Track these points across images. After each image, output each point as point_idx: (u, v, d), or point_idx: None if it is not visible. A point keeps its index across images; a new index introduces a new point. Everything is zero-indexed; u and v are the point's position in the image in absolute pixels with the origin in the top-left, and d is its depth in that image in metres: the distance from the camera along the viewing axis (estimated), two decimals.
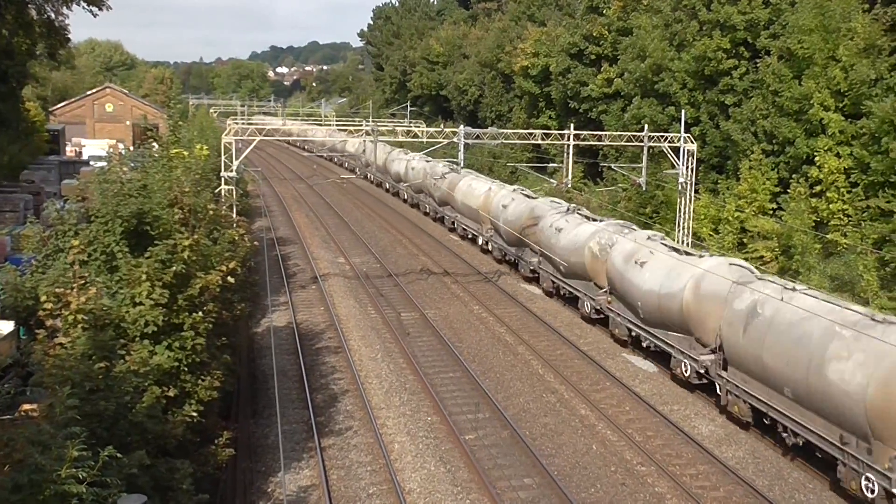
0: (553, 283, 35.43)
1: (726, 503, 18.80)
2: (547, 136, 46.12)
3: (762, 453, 21.44)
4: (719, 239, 38.94)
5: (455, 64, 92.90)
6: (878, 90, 33.74)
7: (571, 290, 33.52)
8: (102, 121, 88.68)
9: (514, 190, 43.38)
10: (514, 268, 40.85)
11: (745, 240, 37.87)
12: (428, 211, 58.45)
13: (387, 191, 72.35)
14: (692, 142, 39.94)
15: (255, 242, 34.33)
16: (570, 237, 33.35)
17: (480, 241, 45.92)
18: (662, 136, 40.41)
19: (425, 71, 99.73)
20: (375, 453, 21.06)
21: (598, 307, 31.05)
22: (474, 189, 47.55)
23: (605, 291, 30.70)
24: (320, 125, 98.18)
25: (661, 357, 27.21)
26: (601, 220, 34.15)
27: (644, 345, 27.60)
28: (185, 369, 16.17)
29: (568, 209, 36.20)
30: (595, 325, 31.77)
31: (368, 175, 78.27)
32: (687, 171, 39.26)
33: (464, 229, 49.33)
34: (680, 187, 39.64)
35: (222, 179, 37.37)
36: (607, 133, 45.84)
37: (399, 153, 68.44)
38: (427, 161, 59.73)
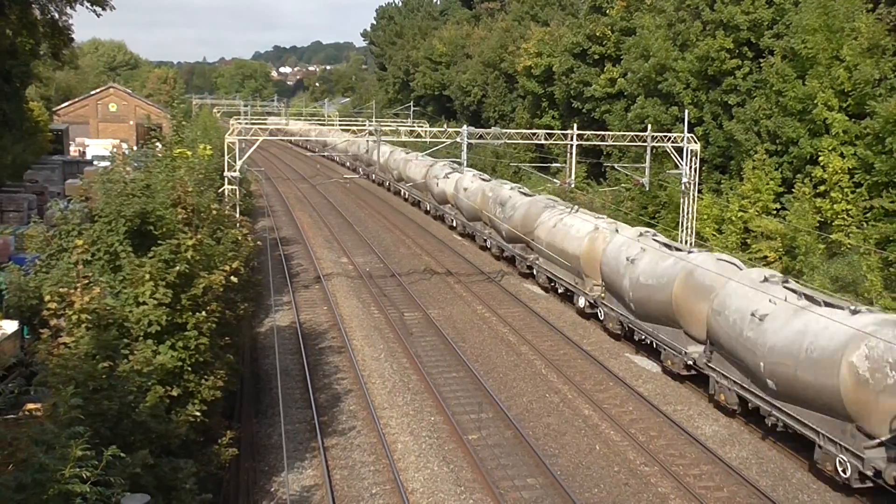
0: (740, 398, 22.75)
1: None
2: (550, 135, 46.14)
3: (766, 453, 21.40)
4: (723, 239, 38.90)
5: (458, 64, 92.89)
6: (882, 90, 33.70)
7: (790, 421, 20.52)
8: (106, 120, 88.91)
9: (643, 234, 30.15)
10: (654, 355, 27.68)
11: (748, 240, 37.85)
12: (488, 245, 45.46)
13: (426, 212, 60.40)
14: (695, 142, 39.91)
15: (259, 242, 34.37)
16: (792, 335, 20.06)
17: (581, 303, 32.69)
18: (666, 136, 40.38)
19: (428, 71, 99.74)
20: (379, 453, 21.06)
21: (870, 470, 18.06)
22: (570, 228, 34.20)
23: (888, 445, 17.98)
24: (323, 125, 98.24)
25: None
26: (847, 307, 20.16)
27: None
28: (189, 369, 16.19)
29: (767, 278, 22.74)
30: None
31: (403, 190, 67.83)
32: (690, 171, 39.23)
33: (549, 279, 36.29)
34: (683, 187, 39.61)
35: (225, 179, 37.41)
36: (610, 133, 45.81)
37: (444, 167, 55.76)
38: (485, 180, 48.52)
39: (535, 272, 38.21)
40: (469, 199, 47.90)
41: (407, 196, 67.02)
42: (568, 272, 33.91)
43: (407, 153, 67.74)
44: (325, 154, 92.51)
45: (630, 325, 28.88)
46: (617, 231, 31.53)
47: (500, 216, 42.14)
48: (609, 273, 30.05)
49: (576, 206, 37.67)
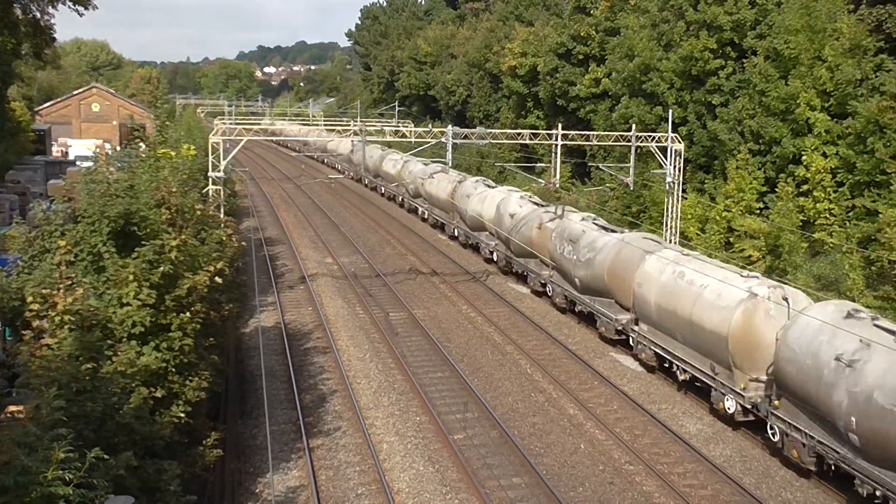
0: None
1: (714, 501, 18.87)
2: (535, 135, 46.18)
3: (749, 451, 21.52)
4: (706, 238, 39.09)
5: (443, 64, 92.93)
6: (863, 90, 33.96)
7: None
8: (89, 121, 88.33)
9: (851, 315, 19.00)
10: None
11: (731, 239, 38.05)
12: (549, 292, 34.48)
13: (453, 238, 49.22)
14: (679, 141, 40.09)
15: (243, 243, 34.27)
16: None
17: (729, 406, 22.33)
18: (650, 136, 40.55)
19: (413, 71, 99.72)
20: (364, 453, 21.04)
21: None
22: (703, 289, 23.39)
23: None
24: (308, 125, 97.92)
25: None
26: None
27: None
28: (173, 370, 16.13)
29: None
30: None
31: (421, 209, 56.54)
32: (674, 171, 39.41)
33: (658, 356, 26.06)
34: (667, 187, 39.78)
35: (210, 179, 37.26)
36: (595, 133, 45.97)
37: (479, 185, 45.64)
38: (538, 204, 38.36)
39: (631, 341, 27.63)
40: (518, 230, 37.08)
41: (427, 216, 55.20)
42: (698, 354, 23.69)
43: (426, 164, 56.71)
44: (325, 160, 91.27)
45: (846, 466, 18.13)
46: (787, 300, 21.14)
47: (569, 257, 31.82)
48: (797, 374, 19.37)
49: (695, 253, 27.60)
